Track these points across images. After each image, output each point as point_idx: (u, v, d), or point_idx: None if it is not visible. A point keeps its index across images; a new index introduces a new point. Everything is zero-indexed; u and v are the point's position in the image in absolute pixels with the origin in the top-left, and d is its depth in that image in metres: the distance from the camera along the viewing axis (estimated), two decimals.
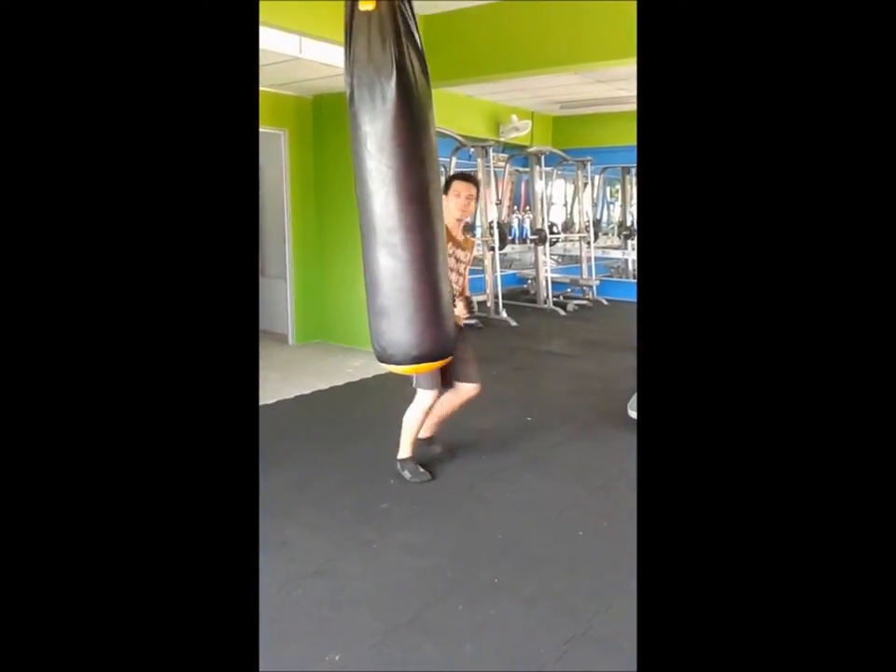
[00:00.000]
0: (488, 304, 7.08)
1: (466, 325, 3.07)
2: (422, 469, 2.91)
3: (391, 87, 1.79)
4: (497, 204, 8.12)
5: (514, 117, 7.41)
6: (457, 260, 2.91)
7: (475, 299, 6.93)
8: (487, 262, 7.11)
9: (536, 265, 7.99)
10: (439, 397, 2.87)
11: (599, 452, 3.29)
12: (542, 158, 7.77)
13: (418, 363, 1.92)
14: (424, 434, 3.08)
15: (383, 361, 1.95)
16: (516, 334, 6.48)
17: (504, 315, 6.97)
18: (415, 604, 1.98)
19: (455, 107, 6.83)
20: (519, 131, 7.51)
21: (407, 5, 1.80)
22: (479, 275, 7.36)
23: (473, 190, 2.85)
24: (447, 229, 2.87)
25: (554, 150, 7.94)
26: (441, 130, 6.33)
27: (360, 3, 1.76)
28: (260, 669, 1.22)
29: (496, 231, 7.05)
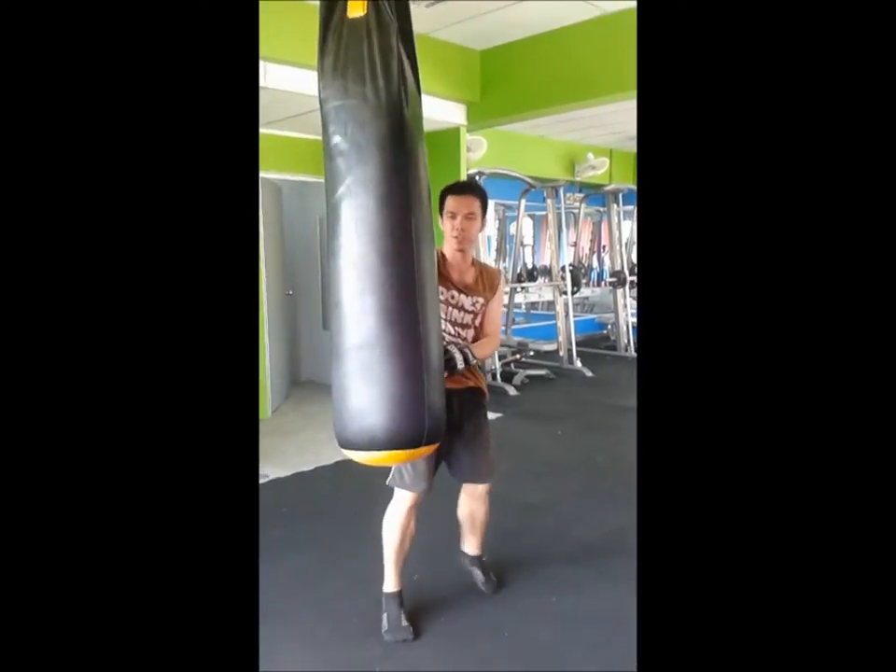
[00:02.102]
0: (560, 353, 6.60)
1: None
2: (404, 623, 2.07)
3: (418, 112, 1.43)
4: (571, 246, 7.72)
5: (590, 155, 7.03)
6: (460, 309, 2.06)
7: (547, 347, 6.51)
8: (559, 307, 6.66)
9: (615, 309, 7.47)
10: (421, 497, 2.13)
11: None
12: (620, 196, 7.31)
13: (385, 449, 1.33)
14: (471, 551, 2.41)
15: (341, 446, 1.41)
16: (590, 386, 5.95)
17: (578, 364, 6.46)
18: None
19: (526, 148, 6.56)
20: (595, 169, 7.12)
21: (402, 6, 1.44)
22: (551, 321, 6.92)
23: (472, 205, 2.02)
24: (442, 267, 2.03)
25: (634, 188, 7.45)
26: (508, 172, 6.05)
27: (350, 7, 1.39)
28: (260, 669, 1.17)
29: (567, 275, 6.60)
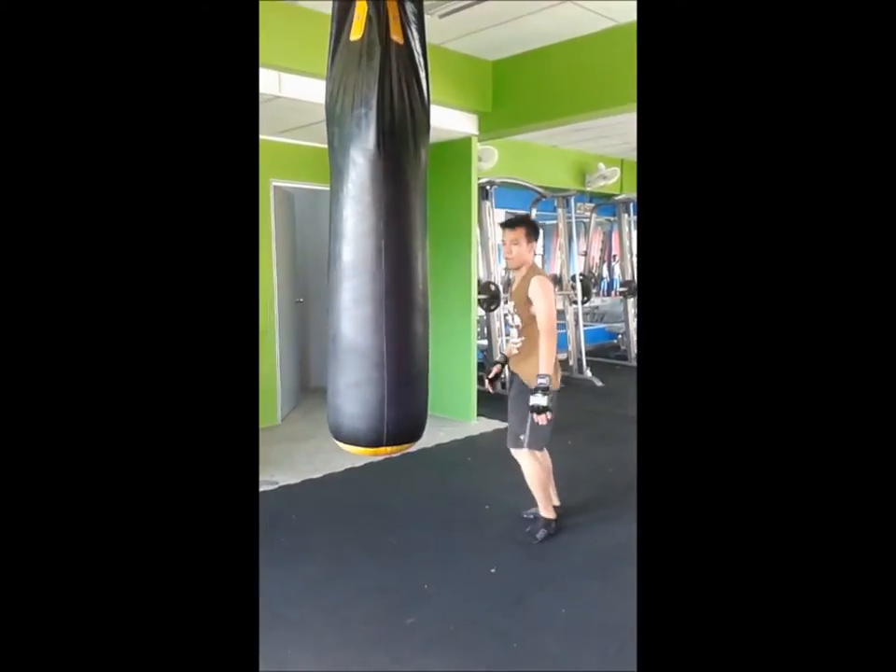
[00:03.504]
0: (570, 362, 6.59)
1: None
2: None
3: (425, 132, 1.46)
4: (582, 255, 7.72)
5: (601, 165, 7.04)
6: (510, 315, 2.89)
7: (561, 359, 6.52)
8: (570, 317, 6.66)
9: (625, 319, 7.45)
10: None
11: None
12: (631, 206, 7.31)
13: (348, 444, 1.49)
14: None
15: (329, 428, 1.54)
16: (600, 396, 5.93)
17: (588, 373, 6.45)
18: None
19: (537, 158, 6.57)
20: (607, 179, 7.13)
21: (412, 28, 1.45)
22: (561, 331, 6.91)
23: (514, 234, 2.78)
24: (510, 285, 3.12)
25: None
26: (519, 181, 6.07)
27: (353, 29, 1.40)
28: (260, 669, 1.13)
29: (577, 284, 6.60)
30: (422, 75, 1.44)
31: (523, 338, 2.78)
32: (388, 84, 1.35)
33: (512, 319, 2.81)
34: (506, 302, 5.96)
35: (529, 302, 2.70)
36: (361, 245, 1.41)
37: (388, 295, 1.42)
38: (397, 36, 1.40)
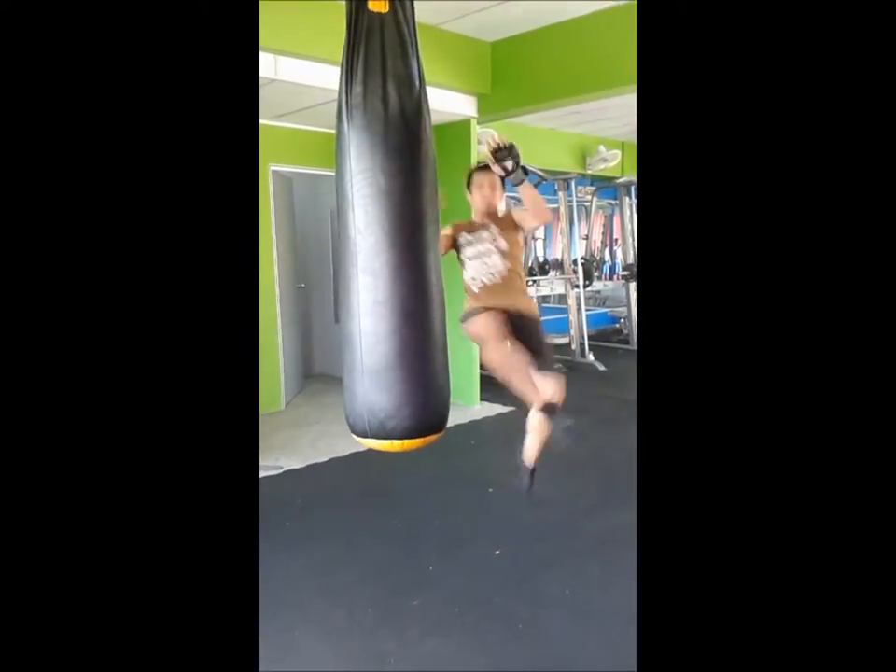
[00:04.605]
0: (573, 347, 6.58)
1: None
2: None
3: (414, 106, 1.44)
4: (583, 239, 7.68)
5: (602, 147, 6.98)
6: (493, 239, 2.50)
7: (555, 341, 6.50)
8: (571, 301, 6.64)
9: (628, 303, 7.44)
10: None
11: None
12: (632, 189, 7.26)
13: (392, 438, 1.46)
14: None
15: (354, 433, 1.51)
16: (603, 380, 5.93)
17: (591, 358, 6.44)
18: None
19: (537, 141, 6.51)
20: (607, 161, 7.06)
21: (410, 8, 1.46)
22: (563, 315, 6.90)
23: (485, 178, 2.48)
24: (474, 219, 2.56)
25: None
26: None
27: (370, 3, 1.40)
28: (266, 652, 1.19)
29: (579, 268, 6.58)
30: (408, 43, 1.42)
31: (509, 264, 2.48)
32: (361, 55, 1.34)
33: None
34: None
35: (515, 228, 2.48)
36: (341, 222, 1.40)
37: (364, 276, 1.40)
38: (378, 7, 1.38)
